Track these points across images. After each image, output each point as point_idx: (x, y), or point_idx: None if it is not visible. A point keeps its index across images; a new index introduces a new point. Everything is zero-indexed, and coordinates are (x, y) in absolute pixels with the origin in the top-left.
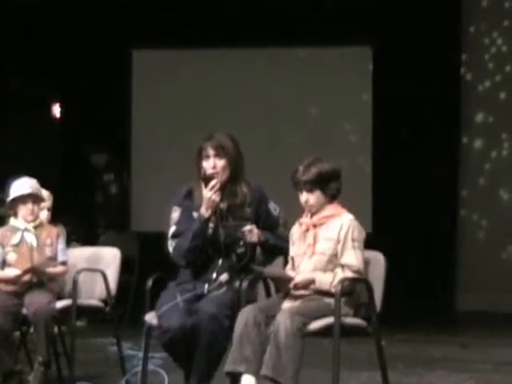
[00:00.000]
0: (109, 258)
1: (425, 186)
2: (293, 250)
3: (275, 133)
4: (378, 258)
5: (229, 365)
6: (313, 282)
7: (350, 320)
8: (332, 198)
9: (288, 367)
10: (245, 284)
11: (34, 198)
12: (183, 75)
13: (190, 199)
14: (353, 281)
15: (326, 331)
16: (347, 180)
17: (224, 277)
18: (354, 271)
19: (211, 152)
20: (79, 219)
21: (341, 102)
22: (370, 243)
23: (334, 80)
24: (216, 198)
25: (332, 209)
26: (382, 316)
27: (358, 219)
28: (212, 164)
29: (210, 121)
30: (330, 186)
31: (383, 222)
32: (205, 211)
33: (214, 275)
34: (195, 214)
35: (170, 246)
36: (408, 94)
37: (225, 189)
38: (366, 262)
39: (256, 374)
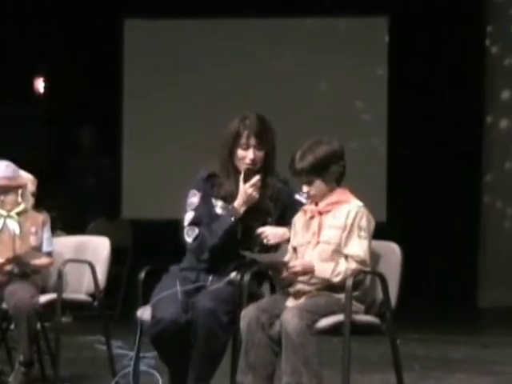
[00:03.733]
0: (97, 247)
1: (445, 171)
2: (295, 240)
3: (280, 113)
4: (392, 250)
5: (238, 375)
6: (312, 269)
7: (362, 317)
8: (336, 182)
9: (308, 365)
10: (246, 277)
11: (5, 189)
12: (182, 46)
13: (209, 184)
14: (363, 273)
15: (335, 329)
16: (360, 163)
17: (233, 275)
18: (358, 262)
19: (252, 141)
20: (65, 205)
21: (353, 78)
22: (384, 233)
23: (346, 54)
24: (256, 195)
25: (339, 194)
26: (397, 313)
27: (370, 207)
28: (252, 156)
29: (208, 98)
30: (330, 171)
31: (399, 210)
32: (240, 207)
33: (222, 269)
34: (216, 202)
35: (187, 234)
36: (427, 68)
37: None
38: (379, 254)
39: (265, 379)
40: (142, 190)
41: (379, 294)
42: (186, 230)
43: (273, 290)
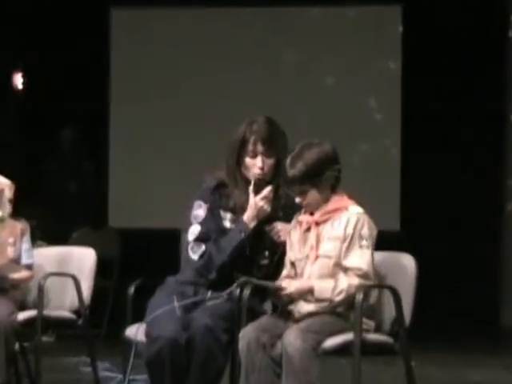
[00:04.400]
0: (82, 259)
1: (464, 175)
2: (292, 254)
3: (281, 110)
4: (406, 261)
5: None
6: (311, 290)
7: (373, 336)
8: (332, 188)
9: None
10: (246, 292)
11: None
12: (175, 39)
13: (217, 194)
14: (368, 288)
15: (344, 349)
16: (370, 167)
17: (233, 287)
18: (360, 276)
19: (260, 148)
20: (46, 213)
21: (363, 73)
22: (397, 243)
23: (356, 46)
24: (268, 208)
25: (337, 202)
26: (412, 331)
27: (382, 214)
28: (261, 164)
29: (203, 96)
30: (324, 177)
31: (414, 217)
32: (250, 221)
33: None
34: (224, 214)
35: (192, 250)
36: (445, 62)
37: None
38: (392, 265)
39: None
40: (131, 197)
41: (391, 310)
42: (190, 246)
43: (275, 307)
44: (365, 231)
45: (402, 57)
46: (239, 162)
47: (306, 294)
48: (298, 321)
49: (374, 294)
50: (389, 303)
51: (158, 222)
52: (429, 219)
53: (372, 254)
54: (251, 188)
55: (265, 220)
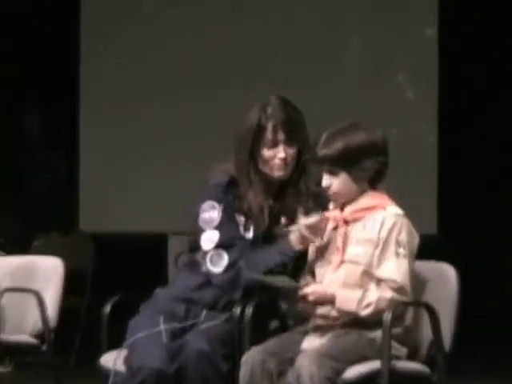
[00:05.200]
0: (47, 271)
1: None
2: (313, 257)
3: (293, 90)
4: (445, 273)
5: None
6: (330, 299)
7: (405, 364)
8: (370, 183)
9: None
10: (249, 310)
11: None
12: (155, 10)
13: (231, 194)
14: (402, 305)
15: (369, 380)
16: (401, 158)
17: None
18: (395, 289)
19: (281, 136)
20: (3, 216)
21: (394, 43)
22: (434, 251)
23: (383, 10)
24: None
25: (373, 198)
26: (452, 358)
27: (416, 215)
28: (283, 154)
29: (192, 71)
30: (363, 166)
31: (454, 219)
32: (297, 244)
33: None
34: (238, 219)
35: (212, 261)
36: (489, 28)
37: (288, 184)
38: (428, 278)
39: None
40: (107, 195)
41: (427, 333)
42: (209, 257)
43: (284, 328)
44: (403, 237)
45: (438, 22)
46: (253, 156)
47: (326, 301)
48: (314, 336)
49: (409, 312)
50: (425, 324)
51: (140, 225)
52: (473, 220)
53: (411, 266)
54: (300, 211)
55: (276, 219)
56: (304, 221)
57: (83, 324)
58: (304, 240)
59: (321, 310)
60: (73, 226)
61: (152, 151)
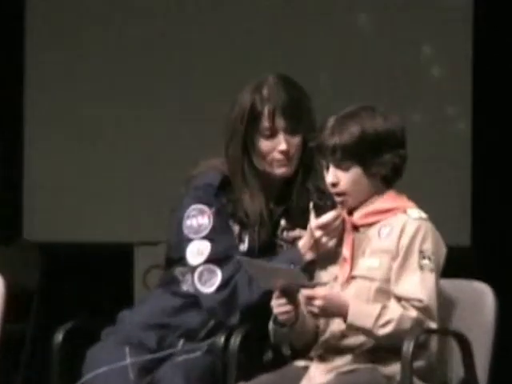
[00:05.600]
0: None
1: None
2: (316, 272)
3: (295, 67)
4: (480, 294)
5: None
6: (342, 310)
7: None
8: (386, 181)
9: None
10: (235, 340)
11: None
12: None
13: (224, 197)
14: (425, 331)
15: None
16: (424, 151)
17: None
18: (419, 309)
19: (281, 123)
20: None
21: (418, 16)
22: (466, 266)
23: None
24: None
25: (390, 199)
26: None
27: (443, 223)
28: (285, 146)
29: (164, 45)
30: (381, 159)
31: (491, 228)
32: (307, 252)
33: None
34: (232, 226)
35: (201, 279)
36: None
37: (293, 183)
38: (458, 300)
39: None
40: (57, 198)
41: (457, 369)
42: (197, 273)
43: (279, 359)
44: (428, 246)
45: (473, 4)
46: (247, 149)
47: (335, 311)
48: (317, 370)
49: (434, 342)
50: (455, 357)
51: (98, 234)
52: (510, 231)
53: (437, 282)
54: (311, 205)
55: (277, 226)
56: (315, 221)
57: (28, 355)
58: (316, 245)
59: (333, 327)
60: (15, 234)
61: (113, 147)
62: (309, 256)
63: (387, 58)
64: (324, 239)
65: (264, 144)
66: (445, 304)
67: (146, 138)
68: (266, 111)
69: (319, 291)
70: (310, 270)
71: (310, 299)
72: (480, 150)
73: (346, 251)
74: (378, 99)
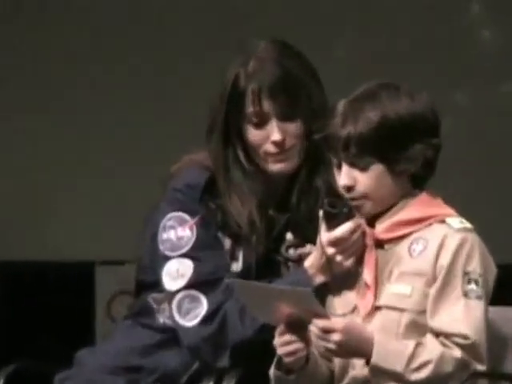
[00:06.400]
0: None
1: None
2: (330, 303)
3: (295, 33)
4: None
5: None
6: (365, 349)
7: None
8: (416, 181)
9: None
10: None
11: None
12: None
13: (211, 201)
14: (475, 375)
15: None
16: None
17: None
18: (465, 348)
19: (271, 107)
20: None
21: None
22: None
23: None
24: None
25: (422, 205)
26: None
27: (492, 236)
28: (279, 136)
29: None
30: (409, 153)
31: None
32: (317, 274)
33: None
34: (222, 239)
35: (180, 309)
36: None
37: (296, 180)
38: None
39: None
40: (9, 211)
41: None
42: (176, 301)
43: None
44: (474, 267)
45: None
46: (230, 140)
47: (356, 350)
48: None
49: None
50: None
51: (51, 251)
52: None
53: (486, 312)
54: (321, 214)
55: (282, 240)
56: (327, 235)
57: None
58: (329, 266)
59: (354, 372)
60: None
61: (71, 153)
62: (319, 279)
63: (421, 21)
64: (338, 258)
65: (252, 134)
66: (496, 339)
67: (108, 143)
68: (249, 91)
69: (338, 322)
70: (319, 297)
71: (326, 332)
72: None
73: (367, 274)
74: (408, 75)
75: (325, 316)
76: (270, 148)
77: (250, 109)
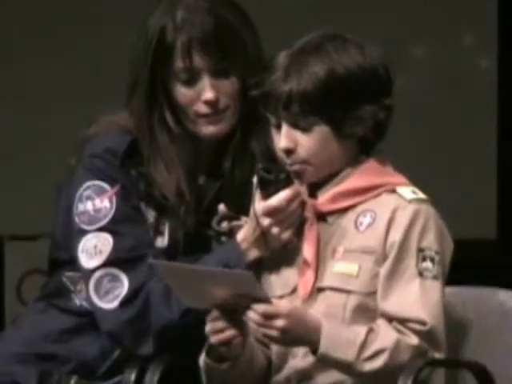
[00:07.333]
0: None
1: None
2: (265, 282)
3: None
4: (509, 309)
5: None
6: (313, 336)
7: None
8: (364, 147)
9: None
10: (154, 377)
11: None
12: None
13: (132, 168)
14: (433, 364)
15: None
16: (439, 112)
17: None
18: (420, 333)
19: (202, 62)
20: None
21: None
22: (493, 265)
23: None
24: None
25: (368, 173)
26: None
27: (466, 211)
28: (212, 94)
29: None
30: (358, 112)
31: None
32: (249, 248)
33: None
34: (146, 210)
35: (97, 290)
36: None
37: (229, 143)
38: (477, 319)
39: None
40: None
41: None
42: (93, 281)
43: None
44: (430, 243)
45: None
46: (156, 99)
47: (301, 338)
48: None
49: (441, 376)
50: None
51: None
52: None
53: (443, 293)
54: (255, 180)
55: (213, 212)
56: (261, 204)
57: None
58: (263, 239)
59: (294, 362)
60: None
61: None
62: (253, 255)
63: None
64: (275, 230)
65: (181, 92)
66: (452, 323)
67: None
68: (178, 45)
69: (282, 306)
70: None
71: (268, 318)
72: (505, 119)
73: (307, 251)
74: (362, 26)
75: (266, 301)
76: (202, 108)
77: (178, 64)
